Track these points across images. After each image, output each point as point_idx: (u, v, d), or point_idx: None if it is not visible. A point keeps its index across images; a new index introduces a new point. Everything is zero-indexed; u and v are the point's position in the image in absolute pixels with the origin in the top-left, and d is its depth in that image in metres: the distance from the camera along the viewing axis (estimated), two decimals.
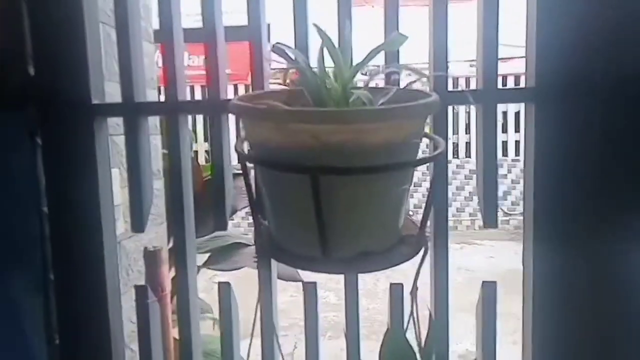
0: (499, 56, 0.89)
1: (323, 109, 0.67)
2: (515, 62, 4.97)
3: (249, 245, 1.98)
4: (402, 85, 0.77)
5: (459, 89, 0.88)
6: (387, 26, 0.91)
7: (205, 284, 2.54)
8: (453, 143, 6.57)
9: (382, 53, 0.80)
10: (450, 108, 0.92)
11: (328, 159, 0.62)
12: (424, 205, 0.75)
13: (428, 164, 0.91)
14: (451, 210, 3.90)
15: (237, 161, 0.76)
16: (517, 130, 6.48)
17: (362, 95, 0.65)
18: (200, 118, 6.08)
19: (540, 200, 0.89)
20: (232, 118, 0.95)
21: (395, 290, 0.96)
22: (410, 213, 0.80)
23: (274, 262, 1.00)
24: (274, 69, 0.92)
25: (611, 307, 0.89)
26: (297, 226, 0.70)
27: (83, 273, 0.99)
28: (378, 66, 0.78)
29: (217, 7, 0.95)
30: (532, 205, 0.90)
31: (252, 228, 0.79)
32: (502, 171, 6.34)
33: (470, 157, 6.58)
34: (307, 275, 0.98)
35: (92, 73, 0.95)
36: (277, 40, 0.73)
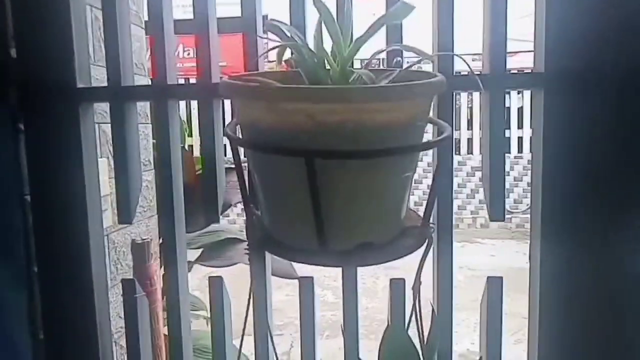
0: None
1: (319, 86, 0.62)
2: (520, 56, 4.92)
3: (244, 241, 1.93)
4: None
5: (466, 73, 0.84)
6: None
7: (199, 282, 2.49)
8: (455, 139, 6.48)
9: (383, 48, 0.75)
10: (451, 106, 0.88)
11: (325, 141, 0.57)
12: (427, 197, 0.70)
13: (432, 151, 0.87)
14: None
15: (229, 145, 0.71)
16: (519, 127, 6.38)
17: (364, 74, 0.60)
18: (195, 112, 6.01)
19: (548, 193, 0.86)
20: (225, 113, 0.90)
21: (396, 285, 0.93)
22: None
23: (268, 256, 0.96)
24: (269, 61, 0.88)
25: (619, 305, 0.86)
26: (292, 216, 0.65)
27: (68, 266, 0.95)
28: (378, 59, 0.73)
29: None
30: (540, 199, 0.86)
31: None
32: None
33: (472, 153, 6.48)
34: (304, 271, 0.94)
35: (78, 55, 0.91)
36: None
